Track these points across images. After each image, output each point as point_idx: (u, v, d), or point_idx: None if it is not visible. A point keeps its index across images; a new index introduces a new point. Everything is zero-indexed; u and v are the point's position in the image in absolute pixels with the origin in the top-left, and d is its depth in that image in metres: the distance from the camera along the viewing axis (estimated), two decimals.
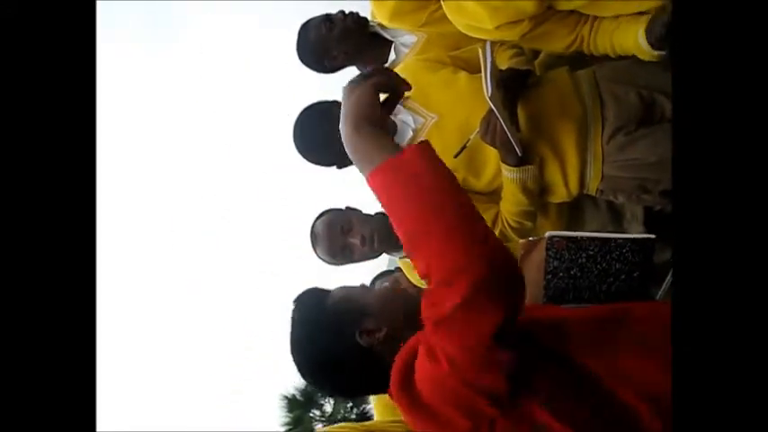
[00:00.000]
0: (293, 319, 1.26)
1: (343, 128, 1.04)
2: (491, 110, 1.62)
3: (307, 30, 2.14)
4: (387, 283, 1.26)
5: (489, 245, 0.93)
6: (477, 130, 1.69)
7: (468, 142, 1.71)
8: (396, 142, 1.06)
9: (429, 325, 0.97)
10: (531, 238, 1.53)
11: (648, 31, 1.56)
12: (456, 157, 1.73)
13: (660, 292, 1.58)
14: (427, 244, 0.93)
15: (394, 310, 1.22)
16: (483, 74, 1.59)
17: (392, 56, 2.14)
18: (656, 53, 1.58)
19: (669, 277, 1.56)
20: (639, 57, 1.64)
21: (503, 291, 0.93)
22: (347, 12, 2.10)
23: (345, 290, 1.27)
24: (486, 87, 1.56)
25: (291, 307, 1.28)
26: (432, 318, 0.96)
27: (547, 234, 1.45)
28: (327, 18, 2.10)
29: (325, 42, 2.10)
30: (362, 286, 1.27)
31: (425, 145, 1.00)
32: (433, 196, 0.95)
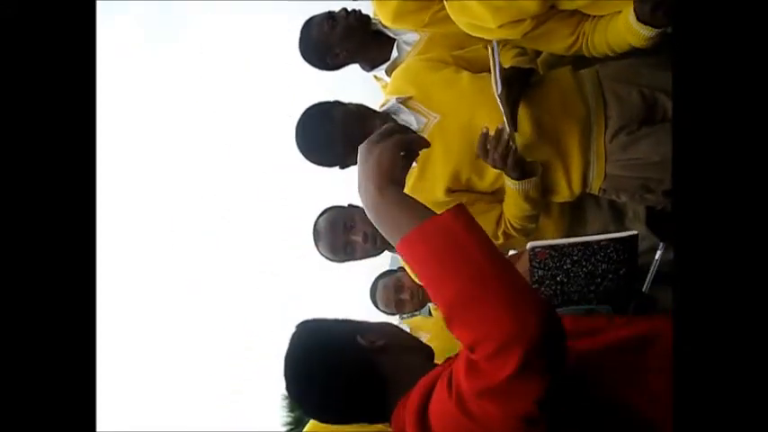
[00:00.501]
0: (293, 340, 1.25)
1: (367, 190, 0.99)
2: (484, 135, 1.64)
3: (309, 27, 2.14)
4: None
5: (538, 309, 0.86)
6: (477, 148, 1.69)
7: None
8: (423, 204, 0.99)
9: (472, 391, 0.90)
10: (512, 252, 1.54)
11: (637, 9, 1.53)
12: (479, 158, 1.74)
13: (645, 285, 1.58)
14: (474, 313, 0.86)
15: (394, 334, 1.23)
16: (492, 72, 1.59)
17: (394, 54, 2.14)
18: (647, 33, 1.55)
19: (652, 269, 1.56)
20: (634, 43, 1.62)
21: (553, 354, 0.88)
22: (350, 9, 2.11)
23: (345, 321, 1.28)
24: (496, 86, 1.56)
25: (293, 330, 1.27)
26: (477, 387, 0.89)
27: (528, 245, 1.45)
28: (330, 16, 2.11)
29: (327, 40, 2.11)
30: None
31: (461, 209, 0.93)
32: (476, 264, 0.88)
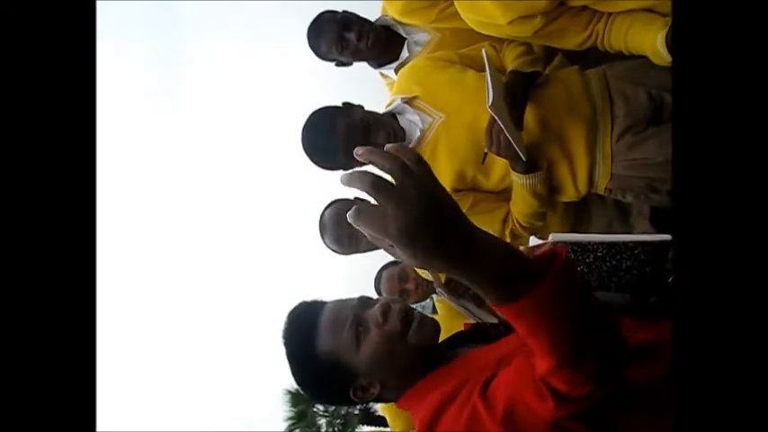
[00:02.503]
0: (285, 340, 1.24)
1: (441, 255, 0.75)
2: (493, 120, 1.62)
3: (319, 23, 2.14)
4: (373, 333, 1.19)
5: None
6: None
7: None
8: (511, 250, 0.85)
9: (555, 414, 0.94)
10: (531, 246, 1.52)
11: (668, 37, 1.52)
12: (483, 163, 1.75)
13: (671, 278, 1.55)
14: (578, 365, 0.88)
15: (384, 367, 1.17)
16: (486, 82, 1.58)
17: (404, 53, 2.14)
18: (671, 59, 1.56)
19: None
20: (653, 60, 1.62)
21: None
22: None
23: (333, 343, 1.18)
24: (488, 96, 1.56)
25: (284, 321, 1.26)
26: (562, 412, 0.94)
27: (551, 237, 1.43)
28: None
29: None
30: (352, 334, 1.18)
31: (570, 263, 0.85)
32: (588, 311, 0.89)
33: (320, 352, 1.18)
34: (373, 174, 0.74)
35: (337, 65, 2.22)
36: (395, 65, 2.17)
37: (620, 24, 1.64)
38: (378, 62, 2.22)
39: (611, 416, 1.00)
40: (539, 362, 0.90)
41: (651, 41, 1.58)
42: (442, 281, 1.96)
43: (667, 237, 1.39)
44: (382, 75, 2.29)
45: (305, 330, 1.22)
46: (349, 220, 0.74)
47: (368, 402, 1.19)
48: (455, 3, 1.71)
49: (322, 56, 2.19)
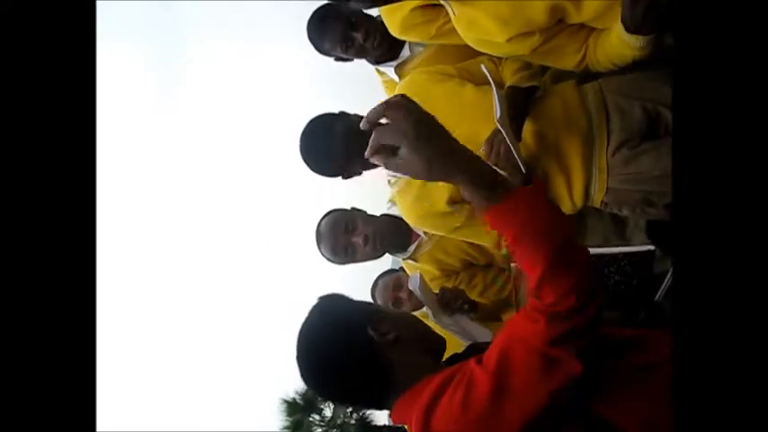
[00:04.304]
0: (309, 315, 1.29)
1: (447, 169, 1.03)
2: (495, 131, 1.63)
3: (324, 20, 2.14)
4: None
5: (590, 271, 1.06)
6: (483, 148, 1.69)
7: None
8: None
9: (548, 337, 1.01)
10: None
11: (624, 21, 1.51)
12: None
13: (659, 293, 1.57)
14: (563, 275, 1.01)
15: (407, 325, 1.27)
16: (493, 97, 1.60)
17: (406, 52, 2.14)
18: (637, 43, 1.54)
19: (668, 277, 1.55)
20: (629, 54, 1.60)
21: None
22: None
23: (364, 302, 1.33)
24: (496, 111, 1.57)
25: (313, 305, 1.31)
26: (556, 334, 1.01)
27: None
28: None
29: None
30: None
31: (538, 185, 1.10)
32: (561, 234, 1.05)
33: (350, 300, 1.31)
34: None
35: (336, 60, 2.21)
36: (394, 63, 2.17)
37: (603, 39, 1.65)
38: (377, 59, 2.22)
39: (601, 399, 1.04)
40: (530, 276, 1.01)
41: (616, 33, 1.56)
42: (435, 296, 1.96)
43: (650, 247, 1.41)
44: (378, 71, 2.29)
45: (338, 297, 1.33)
46: (362, 127, 1.04)
47: (382, 344, 1.21)
48: (453, 22, 1.72)
49: (323, 52, 2.18)
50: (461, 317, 1.97)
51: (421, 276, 1.71)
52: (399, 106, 1.00)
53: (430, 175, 1.00)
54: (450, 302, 1.95)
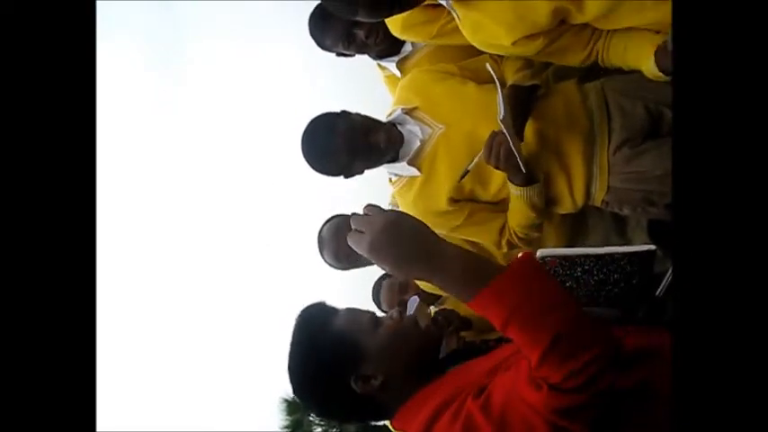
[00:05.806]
0: (294, 334, 1.25)
1: (410, 268, 1.01)
2: (493, 133, 1.63)
3: (326, 16, 2.13)
4: (392, 318, 1.26)
5: (609, 337, 0.99)
6: (481, 153, 1.69)
7: (470, 165, 1.72)
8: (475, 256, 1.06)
9: (548, 410, 0.95)
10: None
11: (660, 65, 1.53)
12: (460, 180, 1.76)
13: (660, 289, 1.56)
14: (567, 352, 0.93)
15: (394, 357, 1.20)
16: (497, 96, 1.60)
17: (407, 47, 2.14)
18: (664, 77, 1.56)
19: (669, 274, 1.55)
20: (652, 78, 1.62)
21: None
22: None
23: (349, 323, 1.24)
24: (500, 110, 1.57)
25: (295, 319, 1.27)
26: (558, 406, 0.96)
27: (538, 253, 1.44)
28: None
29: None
30: (370, 318, 1.24)
31: (532, 259, 1.00)
32: (561, 306, 0.97)
33: (333, 329, 1.23)
34: (356, 213, 1.06)
35: (338, 55, 2.20)
36: (396, 58, 2.16)
37: (618, 41, 1.65)
38: (379, 54, 2.21)
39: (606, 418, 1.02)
40: (530, 356, 0.94)
41: (646, 62, 1.58)
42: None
43: (652, 247, 1.41)
44: (380, 66, 2.28)
45: (321, 312, 1.27)
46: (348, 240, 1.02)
47: (367, 393, 1.17)
48: (459, 26, 1.71)
49: (325, 48, 2.17)
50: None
51: (419, 302, 1.70)
52: (363, 220, 1.02)
53: (402, 276, 1.05)
54: (443, 327, 1.94)
